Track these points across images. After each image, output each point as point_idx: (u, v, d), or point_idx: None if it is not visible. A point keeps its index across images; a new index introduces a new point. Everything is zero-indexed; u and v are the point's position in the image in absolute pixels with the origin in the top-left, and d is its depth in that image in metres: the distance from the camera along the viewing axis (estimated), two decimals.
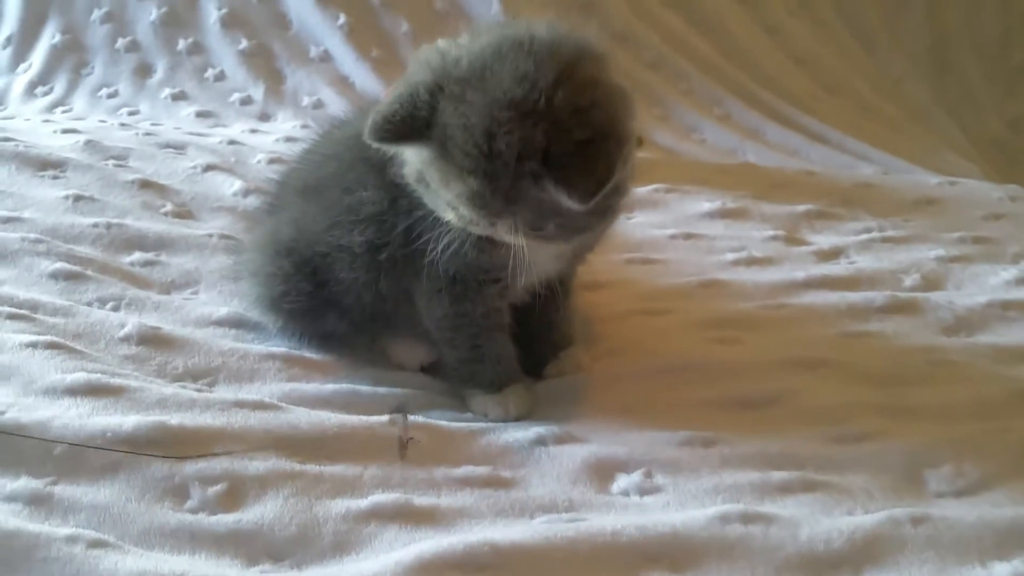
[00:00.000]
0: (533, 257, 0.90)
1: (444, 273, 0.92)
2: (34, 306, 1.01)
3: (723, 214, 1.48)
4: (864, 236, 1.42)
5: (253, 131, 1.78)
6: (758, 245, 1.37)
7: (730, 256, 1.33)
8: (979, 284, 1.26)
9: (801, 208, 1.51)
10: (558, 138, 0.79)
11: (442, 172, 0.83)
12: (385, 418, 0.88)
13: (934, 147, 2.08)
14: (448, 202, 0.85)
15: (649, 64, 2.11)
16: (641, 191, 1.51)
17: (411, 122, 0.82)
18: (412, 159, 0.87)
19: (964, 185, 1.68)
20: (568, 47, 0.84)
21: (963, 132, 2.25)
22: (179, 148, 1.56)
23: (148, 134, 1.62)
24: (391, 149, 0.87)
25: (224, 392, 0.93)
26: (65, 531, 0.68)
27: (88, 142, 1.49)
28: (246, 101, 1.94)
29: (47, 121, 1.74)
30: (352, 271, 0.96)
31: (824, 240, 1.41)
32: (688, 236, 1.40)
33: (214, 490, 0.76)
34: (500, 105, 0.79)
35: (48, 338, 0.93)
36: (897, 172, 1.82)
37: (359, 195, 0.94)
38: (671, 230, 1.41)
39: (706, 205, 1.50)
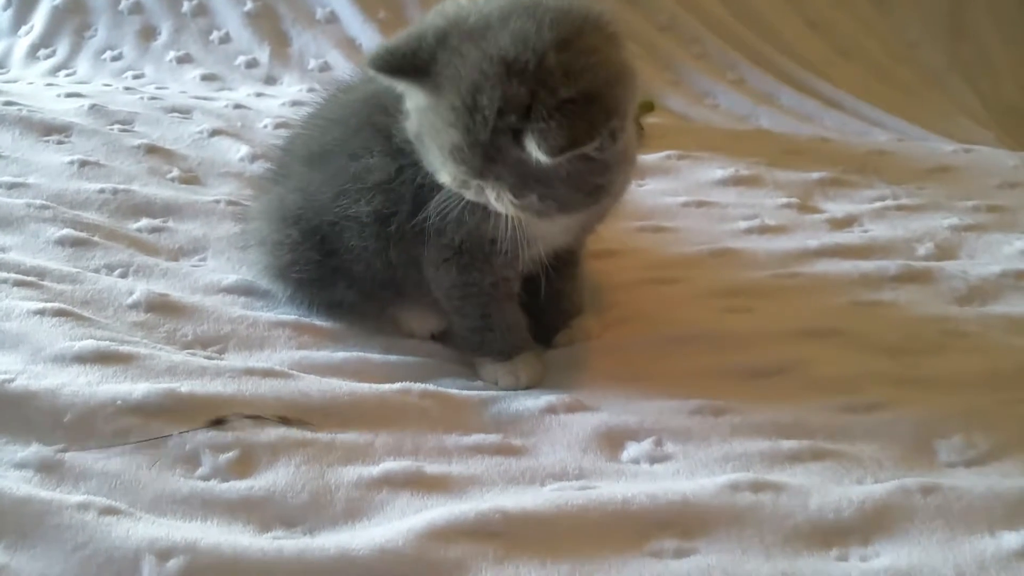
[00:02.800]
0: (537, 229, 0.90)
1: (450, 243, 0.91)
2: (41, 273, 1.01)
3: (736, 181, 1.47)
4: (878, 204, 1.40)
5: (259, 95, 1.76)
6: (771, 213, 1.36)
7: (743, 224, 1.32)
8: (993, 253, 1.25)
9: (815, 175, 1.49)
10: (543, 96, 0.78)
11: (431, 122, 0.83)
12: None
13: (949, 113, 2.06)
14: (437, 158, 0.85)
15: (662, 27, 2.08)
16: (653, 157, 1.49)
17: (412, 59, 0.83)
18: (412, 109, 0.87)
19: (979, 152, 1.66)
20: (575, 16, 0.83)
21: (979, 97, 2.21)
22: (185, 112, 1.54)
23: (153, 98, 1.60)
24: (385, 81, 0.86)
25: (234, 360, 0.93)
26: (76, 498, 0.68)
27: (93, 106, 1.48)
28: (252, 64, 1.93)
29: (50, 85, 1.72)
30: (361, 240, 0.95)
31: (837, 208, 1.39)
32: (700, 204, 1.38)
33: (225, 457, 0.76)
34: (491, 61, 0.80)
35: (56, 305, 0.93)
36: (912, 138, 1.80)
37: (365, 162, 0.93)
38: (683, 197, 1.40)
39: (719, 172, 1.49)
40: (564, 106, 0.78)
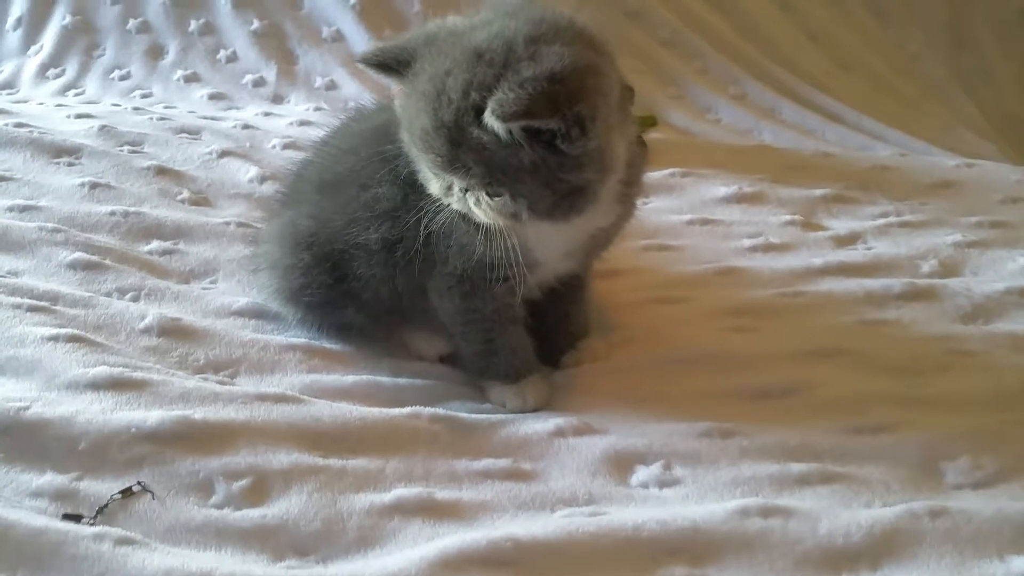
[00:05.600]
0: (538, 254, 0.90)
1: (453, 271, 0.92)
2: (54, 297, 1.02)
3: (740, 199, 1.47)
4: (881, 221, 1.41)
5: (267, 114, 1.77)
6: (775, 230, 1.36)
7: (747, 242, 1.33)
8: (996, 270, 1.25)
9: (818, 192, 1.50)
10: (508, 76, 0.79)
11: (407, 113, 0.86)
12: None
13: (951, 125, 2.06)
14: (415, 153, 0.87)
15: (664, 42, 2.09)
16: (657, 175, 1.50)
17: (396, 54, 0.87)
18: (399, 111, 0.89)
19: (981, 167, 1.66)
20: (553, 19, 0.85)
21: (980, 109, 2.22)
22: (194, 133, 1.55)
23: (162, 119, 1.61)
24: (373, 74, 0.91)
25: (246, 384, 0.94)
26: (92, 529, 0.69)
27: (103, 127, 1.49)
28: (259, 83, 1.94)
29: (60, 105, 1.73)
30: (369, 268, 0.96)
31: (841, 225, 1.40)
32: (705, 222, 1.39)
33: (239, 485, 0.77)
34: (463, 51, 0.82)
35: (69, 331, 0.94)
36: (914, 153, 1.81)
37: (375, 191, 0.95)
38: (687, 216, 1.41)
39: (722, 190, 1.49)
40: (526, 82, 0.78)
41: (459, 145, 0.82)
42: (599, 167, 0.84)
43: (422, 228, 0.90)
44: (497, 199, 0.83)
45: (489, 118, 0.79)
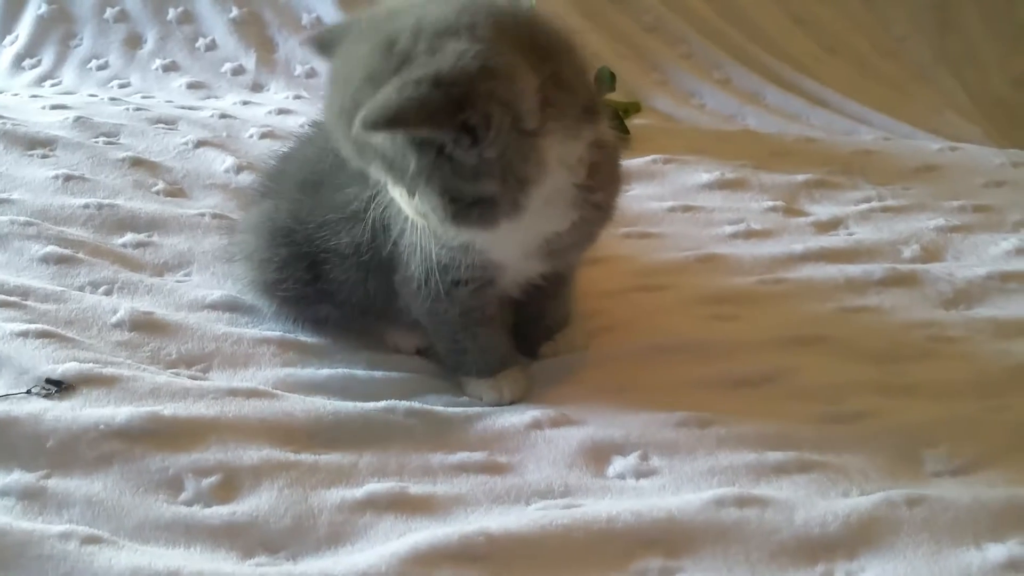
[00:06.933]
0: (497, 256, 0.89)
1: (412, 274, 0.90)
2: (25, 292, 1.00)
3: (722, 185, 1.46)
4: (863, 206, 1.40)
5: (245, 103, 1.75)
6: (757, 217, 1.35)
7: (728, 229, 1.32)
8: (979, 255, 1.24)
9: (800, 177, 1.49)
10: (402, 74, 0.73)
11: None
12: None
13: (936, 107, 2.05)
14: None
15: (648, 27, 2.07)
16: (639, 162, 1.49)
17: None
18: None
19: (965, 150, 1.65)
20: (489, 9, 0.78)
21: (966, 91, 2.21)
22: (170, 123, 1.53)
23: (139, 109, 1.59)
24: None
25: (219, 378, 0.93)
26: (59, 528, 0.68)
27: (78, 119, 1.47)
28: (238, 71, 1.91)
29: (35, 96, 1.71)
30: (343, 272, 0.95)
31: (823, 211, 1.39)
32: (686, 208, 1.38)
33: (208, 482, 0.76)
34: (380, 39, 0.77)
35: (39, 326, 0.93)
36: (898, 136, 1.80)
37: (346, 192, 0.92)
38: (669, 202, 1.40)
39: (704, 176, 1.48)
40: (407, 84, 0.72)
41: (357, 138, 0.77)
42: (506, 177, 0.76)
43: (384, 229, 0.87)
44: (411, 198, 0.79)
45: (355, 127, 0.72)
